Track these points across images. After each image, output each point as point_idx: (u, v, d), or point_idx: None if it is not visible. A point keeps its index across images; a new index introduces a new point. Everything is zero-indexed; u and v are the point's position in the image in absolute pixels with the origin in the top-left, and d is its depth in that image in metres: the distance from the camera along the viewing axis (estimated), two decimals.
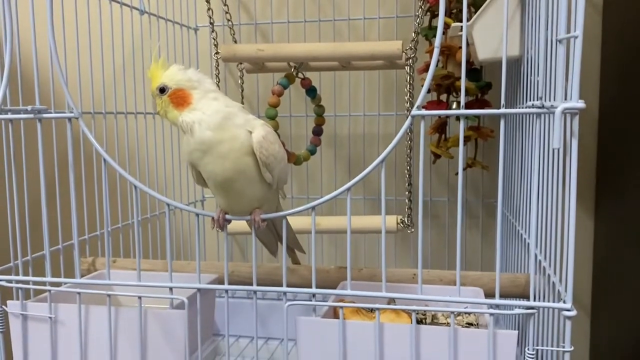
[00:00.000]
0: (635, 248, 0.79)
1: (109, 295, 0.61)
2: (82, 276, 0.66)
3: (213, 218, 0.59)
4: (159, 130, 0.94)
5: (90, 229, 0.82)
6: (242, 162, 0.56)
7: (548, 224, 0.54)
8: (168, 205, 0.60)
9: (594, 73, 0.94)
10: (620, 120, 0.87)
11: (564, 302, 0.50)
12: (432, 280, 0.70)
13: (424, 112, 0.51)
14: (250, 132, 0.57)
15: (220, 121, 0.56)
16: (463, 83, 0.52)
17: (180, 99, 0.57)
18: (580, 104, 0.45)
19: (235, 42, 1.01)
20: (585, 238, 0.97)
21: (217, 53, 0.98)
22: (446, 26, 0.81)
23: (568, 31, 0.47)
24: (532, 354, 0.52)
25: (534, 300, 0.55)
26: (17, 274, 0.66)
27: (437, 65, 0.55)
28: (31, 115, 0.61)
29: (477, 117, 0.89)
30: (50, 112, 0.63)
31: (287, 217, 0.60)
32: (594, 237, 0.97)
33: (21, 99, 0.66)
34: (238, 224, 0.67)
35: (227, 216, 0.60)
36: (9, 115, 0.62)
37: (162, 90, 0.57)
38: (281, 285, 0.59)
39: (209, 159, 0.56)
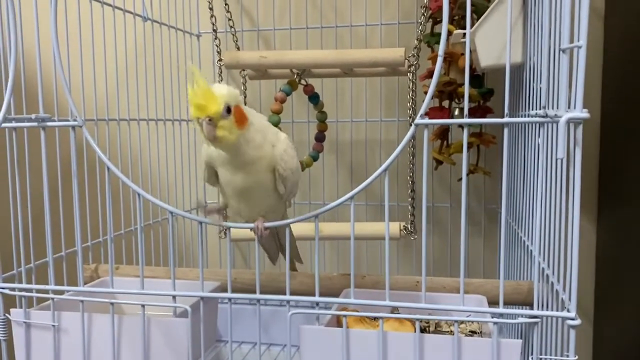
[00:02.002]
0: (637, 255, 0.79)
1: (112, 304, 0.61)
2: (85, 283, 0.66)
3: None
4: (161, 137, 0.94)
5: (93, 235, 0.82)
6: (263, 176, 0.57)
7: (551, 232, 0.54)
8: (171, 213, 0.60)
9: (595, 80, 0.94)
10: (622, 127, 0.87)
11: (568, 310, 0.50)
12: (435, 287, 0.70)
13: (427, 120, 0.51)
14: (273, 146, 0.56)
15: (261, 140, 0.55)
16: (467, 90, 0.52)
17: (242, 116, 0.53)
18: (585, 114, 0.45)
19: (238, 48, 1.01)
20: (587, 246, 0.97)
21: (220, 60, 0.98)
22: (448, 33, 0.82)
23: (571, 40, 0.47)
24: None
25: (538, 309, 0.55)
26: (20, 281, 0.66)
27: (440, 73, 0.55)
28: (35, 124, 0.61)
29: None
30: (54, 121, 0.63)
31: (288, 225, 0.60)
32: (596, 244, 0.97)
33: (25, 108, 0.66)
34: (241, 231, 0.67)
35: (229, 224, 0.60)
36: (13, 124, 0.62)
37: (229, 110, 0.51)
38: (283, 291, 0.59)
39: (235, 170, 0.56)
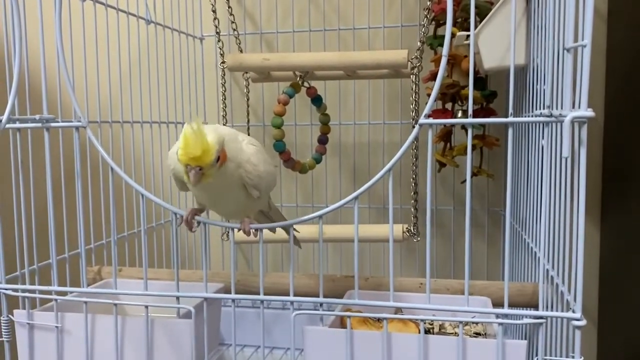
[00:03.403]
0: None
1: (115, 305, 0.61)
2: (88, 285, 0.66)
3: (182, 216, 0.58)
4: (164, 139, 0.94)
5: (96, 237, 0.82)
6: (233, 188, 0.56)
7: (556, 233, 0.54)
8: (175, 214, 0.60)
9: (599, 81, 0.94)
10: (625, 128, 0.87)
11: (573, 311, 0.50)
12: (439, 289, 0.70)
13: (431, 120, 0.51)
14: (239, 165, 0.56)
15: (233, 167, 0.55)
16: (471, 92, 0.52)
17: (224, 156, 0.53)
18: (590, 113, 0.45)
19: (241, 51, 1.01)
20: (591, 247, 0.96)
21: (223, 62, 0.98)
22: (451, 35, 0.82)
23: (575, 40, 0.47)
24: None
25: (543, 310, 0.54)
26: (23, 282, 0.66)
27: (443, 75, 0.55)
28: (39, 125, 0.61)
29: (483, 125, 0.89)
30: (58, 122, 0.63)
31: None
32: (599, 246, 0.96)
33: (29, 109, 0.67)
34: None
35: (230, 224, 0.59)
36: (17, 125, 0.62)
37: (217, 158, 0.52)
38: (286, 293, 0.59)
39: (204, 187, 0.55)
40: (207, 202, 0.59)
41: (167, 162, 0.58)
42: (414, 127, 0.52)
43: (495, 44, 0.74)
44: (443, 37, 0.51)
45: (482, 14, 0.80)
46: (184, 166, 0.51)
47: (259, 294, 0.60)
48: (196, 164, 0.50)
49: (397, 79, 0.96)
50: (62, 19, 0.59)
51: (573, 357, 0.50)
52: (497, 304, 0.64)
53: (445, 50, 0.50)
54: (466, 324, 0.65)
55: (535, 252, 0.65)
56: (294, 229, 0.69)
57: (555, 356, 0.54)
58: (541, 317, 0.52)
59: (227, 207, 0.59)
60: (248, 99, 1.02)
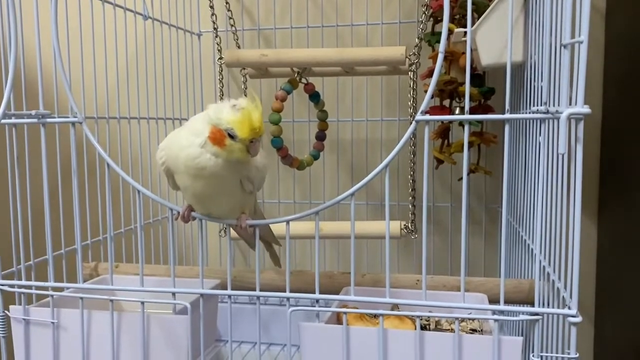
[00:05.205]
0: (638, 253, 0.78)
1: (111, 301, 0.61)
2: (84, 281, 0.66)
3: (178, 212, 0.59)
4: (161, 135, 0.94)
5: (93, 233, 0.82)
6: (229, 178, 0.56)
7: (552, 229, 0.54)
8: (171, 210, 0.59)
9: (596, 78, 0.94)
10: (623, 125, 0.87)
11: (569, 308, 0.50)
12: (435, 286, 0.70)
13: (428, 117, 0.51)
14: None
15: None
16: (467, 88, 0.52)
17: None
18: (586, 110, 0.45)
19: (239, 47, 1.01)
20: (588, 243, 0.96)
21: (220, 58, 0.98)
22: (449, 31, 0.81)
23: (573, 36, 0.47)
24: None
25: (539, 306, 0.54)
26: (19, 278, 0.66)
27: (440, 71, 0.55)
28: (35, 120, 0.61)
29: (480, 122, 0.88)
30: (54, 117, 0.63)
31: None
32: (597, 242, 0.97)
33: (25, 104, 0.66)
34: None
35: (227, 221, 0.59)
36: (13, 120, 0.62)
37: None
38: (283, 290, 0.59)
39: (197, 176, 0.54)
40: (199, 201, 0.58)
41: (157, 156, 0.58)
42: (411, 123, 0.52)
43: (493, 40, 0.74)
44: (441, 33, 0.50)
45: (479, 10, 0.80)
46: (247, 142, 0.52)
47: (255, 290, 0.60)
48: (259, 135, 0.53)
49: (395, 75, 0.96)
50: (58, 13, 0.58)
51: (569, 353, 0.50)
52: (494, 300, 0.64)
53: (441, 47, 0.50)
54: (462, 320, 0.65)
55: (532, 249, 0.65)
56: (277, 243, 0.71)
57: (552, 353, 0.54)
58: (537, 314, 0.52)
59: (220, 204, 0.58)
60: (246, 95, 1.02)
